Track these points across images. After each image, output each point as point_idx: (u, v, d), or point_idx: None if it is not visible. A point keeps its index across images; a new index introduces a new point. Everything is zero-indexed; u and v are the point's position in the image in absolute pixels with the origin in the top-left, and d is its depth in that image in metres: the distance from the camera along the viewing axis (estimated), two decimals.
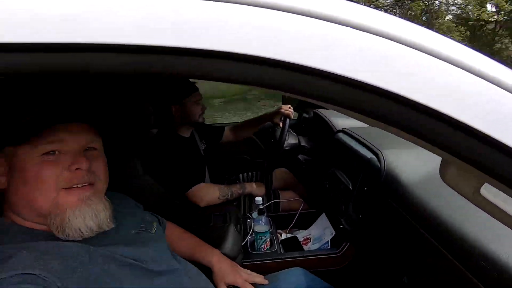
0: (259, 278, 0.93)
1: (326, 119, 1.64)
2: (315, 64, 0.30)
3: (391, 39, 0.31)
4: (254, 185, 1.52)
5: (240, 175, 1.89)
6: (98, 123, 0.66)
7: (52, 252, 0.53)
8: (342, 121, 1.54)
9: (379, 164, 1.00)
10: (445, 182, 0.43)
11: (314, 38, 0.30)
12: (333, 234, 1.26)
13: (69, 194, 0.58)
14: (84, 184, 0.60)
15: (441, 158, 0.40)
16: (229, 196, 1.39)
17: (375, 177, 0.99)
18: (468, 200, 0.40)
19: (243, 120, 1.87)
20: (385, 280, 1.02)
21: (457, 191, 0.41)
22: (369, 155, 1.09)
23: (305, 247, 1.31)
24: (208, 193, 1.35)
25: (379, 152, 1.04)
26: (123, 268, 0.60)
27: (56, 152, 0.58)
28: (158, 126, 1.57)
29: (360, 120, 0.38)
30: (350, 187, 1.15)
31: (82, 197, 0.59)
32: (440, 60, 0.31)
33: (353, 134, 1.29)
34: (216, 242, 1.11)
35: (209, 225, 1.22)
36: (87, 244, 0.59)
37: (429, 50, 0.32)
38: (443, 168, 0.43)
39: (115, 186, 0.70)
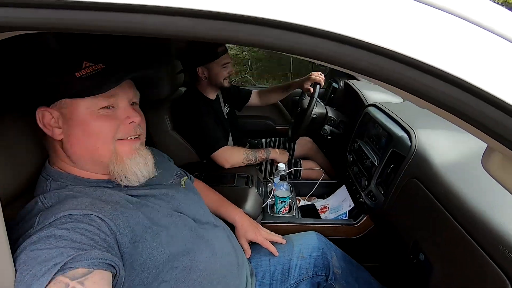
0: (278, 238, 0.99)
1: (358, 91, 1.58)
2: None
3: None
4: (278, 151, 1.54)
5: (263, 140, 1.91)
6: (140, 79, 0.69)
7: (103, 198, 0.61)
8: (375, 94, 1.48)
9: (410, 143, 0.98)
10: (486, 171, 0.42)
11: None
12: (351, 206, 1.29)
13: (123, 145, 0.65)
14: (135, 136, 0.66)
15: (482, 144, 0.39)
16: (253, 161, 1.43)
17: (404, 155, 0.97)
18: (510, 192, 0.39)
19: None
20: (398, 254, 1.05)
21: (499, 182, 0.40)
22: (400, 132, 1.06)
23: (322, 215, 1.36)
24: (233, 156, 1.38)
25: (411, 131, 1.01)
26: (160, 217, 0.66)
27: (111, 107, 0.63)
28: (186, 85, 1.59)
29: (406, 98, 0.37)
30: (376, 163, 1.14)
31: (134, 147, 0.66)
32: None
33: (385, 109, 1.25)
34: (239, 202, 1.17)
35: (232, 185, 1.28)
36: (129, 195, 0.66)
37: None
38: (487, 156, 0.42)
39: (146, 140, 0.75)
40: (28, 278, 0.45)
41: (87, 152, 0.63)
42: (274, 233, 1.00)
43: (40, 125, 0.62)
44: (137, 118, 0.65)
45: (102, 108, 0.62)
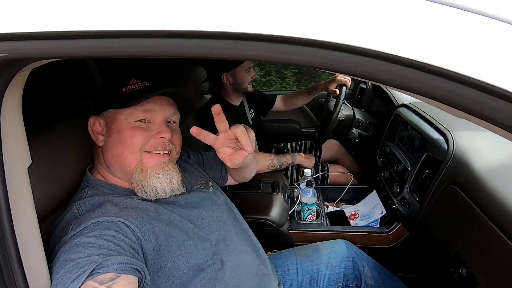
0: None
1: (387, 91, 1.51)
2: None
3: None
4: (303, 156, 1.51)
5: (288, 144, 1.88)
6: (178, 97, 0.73)
7: (130, 207, 0.64)
8: (405, 94, 1.40)
9: (446, 146, 0.91)
10: None
11: None
12: (383, 213, 1.22)
13: (150, 157, 0.67)
14: (164, 152, 0.69)
15: None
16: (278, 166, 1.41)
17: (440, 159, 0.91)
18: None
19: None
20: (437, 266, 0.98)
21: None
22: (435, 135, 0.99)
23: (352, 222, 1.30)
24: (258, 162, 1.38)
25: (447, 133, 0.94)
26: (185, 227, 0.67)
27: (147, 121, 0.68)
28: (211, 92, 1.62)
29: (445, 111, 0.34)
30: (409, 168, 1.07)
31: (160, 162, 0.68)
32: None
33: (418, 110, 1.18)
34: (264, 209, 1.16)
35: (257, 192, 1.27)
36: (157, 203, 0.68)
37: None
38: None
39: None
40: (61, 286, 0.48)
41: (117, 159, 0.67)
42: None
43: (90, 131, 0.70)
44: (168, 135, 0.68)
45: (138, 120, 0.67)
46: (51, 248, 0.56)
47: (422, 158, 1.00)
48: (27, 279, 0.42)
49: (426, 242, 1.03)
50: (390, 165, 1.23)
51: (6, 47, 0.31)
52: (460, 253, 0.77)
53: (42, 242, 0.49)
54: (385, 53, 0.29)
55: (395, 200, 1.12)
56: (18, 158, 0.41)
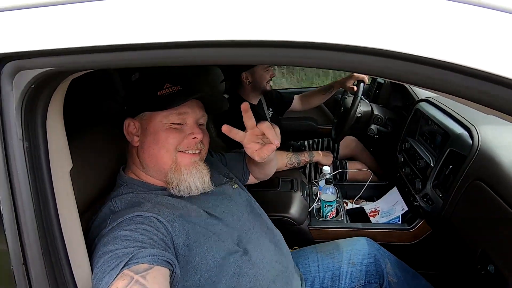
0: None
1: (406, 85, 1.48)
2: None
3: None
4: (321, 153, 1.51)
5: (306, 142, 1.88)
6: (209, 99, 0.78)
7: (163, 203, 0.68)
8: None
9: (471, 141, 0.89)
10: None
11: None
12: (404, 210, 1.21)
13: (183, 157, 0.72)
14: (196, 151, 0.73)
15: None
16: (297, 164, 1.42)
17: (464, 155, 0.89)
18: None
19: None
20: (462, 263, 0.96)
21: None
22: (458, 129, 0.97)
23: (372, 219, 1.29)
24: (276, 160, 1.39)
25: (472, 127, 0.92)
26: (211, 223, 0.71)
27: (180, 123, 0.72)
28: (228, 92, 1.64)
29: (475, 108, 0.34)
30: (431, 163, 1.05)
31: (192, 161, 0.73)
32: None
33: (440, 104, 1.15)
34: (284, 206, 1.17)
35: (277, 190, 1.28)
36: (187, 201, 0.72)
37: None
38: None
39: None
40: (100, 275, 0.52)
41: (153, 158, 0.72)
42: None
43: (125, 132, 0.74)
44: (200, 135, 0.72)
45: (173, 123, 0.71)
46: (90, 240, 0.60)
47: (445, 153, 0.98)
48: (72, 267, 0.46)
49: (450, 238, 1.01)
50: (411, 161, 1.21)
51: (53, 61, 0.34)
52: (488, 250, 0.75)
53: (83, 236, 0.52)
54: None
55: (417, 196, 1.11)
56: (62, 162, 0.44)
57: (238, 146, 1.44)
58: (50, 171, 0.40)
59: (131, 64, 0.37)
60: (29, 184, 0.37)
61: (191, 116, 0.73)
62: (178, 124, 0.72)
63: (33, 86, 0.35)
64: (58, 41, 0.33)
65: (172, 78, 0.74)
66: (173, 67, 0.77)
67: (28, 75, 0.35)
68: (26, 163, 0.37)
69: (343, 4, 0.30)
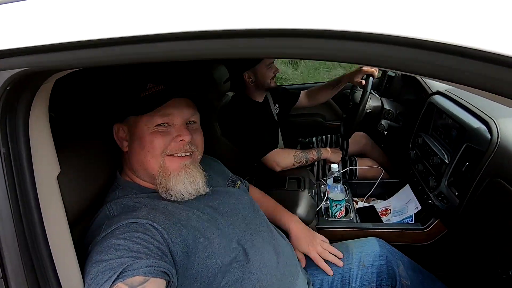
0: (334, 250, 0.91)
1: (419, 77, 1.41)
2: None
3: None
4: (329, 150, 1.47)
5: (314, 138, 1.83)
6: (196, 97, 0.73)
7: (158, 208, 0.65)
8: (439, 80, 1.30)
9: (489, 136, 0.83)
10: None
11: None
12: (418, 209, 1.15)
13: (172, 161, 0.68)
14: (186, 154, 0.69)
15: None
16: (304, 162, 1.38)
17: (482, 150, 0.83)
18: None
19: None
20: (481, 266, 0.91)
21: None
22: (475, 123, 0.91)
23: (384, 219, 1.24)
24: (284, 158, 1.35)
25: (490, 121, 0.86)
26: (211, 227, 0.67)
27: (166, 124, 0.68)
28: (233, 90, 1.61)
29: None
30: (446, 160, 1.00)
31: (182, 165, 0.68)
32: None
33: (455, 97, 1.09)
34: (291, 206, 1.13)
35: (283, 189, 1.25)
36: (184, 204, 0.68)
37: None
38: None
39: None
40: (94, 286, 0.50)
41: (141, 164, 0.69)
42: (332, 247, 0.93)
43: (115, 138, 0.72)
44: (187, 137, 0.68)
45: (157, 125, 0.68)
46: (85, 247, 0.58)
47: (461, 149, 0.93)
48: (60, 280, 0.43)
49: (467, 239, 0.96)
50: (425, 157, 1.15)
51: (28, 61, 0.32)
52: (510, 253, 0.70)
53: (73, 244, 0.50)
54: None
55: (431, 194, 1.05)
56: (47, 167, 0.42)
57: (244, 144, 1.42)
58: (34, 177, 0.38)
59: (116, 61, 0.35)
60: (7, 190, 0.35)
61: (177, 116, 0.69)
62: (164, 125, 0.68)
63: (8, 88, 0.33)
64: (29, 38, 0.30)
65: (155, 77, 0.70)
66: (157, 66, 0.74)
67: (1, 77, 0.32)
68: (2, 170, 0.35)
69: None
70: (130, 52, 0.32)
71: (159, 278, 0.52)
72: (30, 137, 0.37)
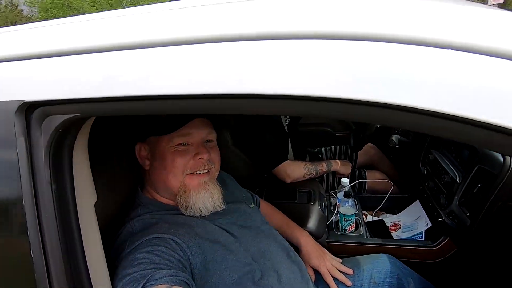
0: (345, 268, 0.92)
1: None
2: None
3: None
4: (339, 163, 1.48)
5: (323, 149, 1.85)
6: (214, 117, 0.77)
7: (179, 223, 0.69)
8: None
9: (502, 159, 0.84)
10: None
11: None
12: (428, 226, 1.16)
13: (192, 179, 0.72)
14: (204, 171, 0.73)
15: None
16: (314, 174, 1.39)
17: (495, 173, 0.84)
18: None
19: None
20: (495, 285, 0.91)
21: None
22: None
23: (393, 234, 1.25)
24: (294, 170, 1.37)
25: None
26: (228, 241, 0.71)
27: (185, 144, 0.72)
28: None
29: None
30: (457, 179, 1.01)
31: (201, 182, 0.72)
32: None
33: None
34: (301, 220, 1.15)
35: (294, 201, 1.26)
36: (202, 219, 0.72)
37: None
38: None
39: None
40: None
41: (162, 182, 0.72)
42: (342, 265, 0.94)
43: (137, 157, 0.76)
44: (205, 155, 0.71)
45: (177, 144, 0.71)
46: (111, 262, 0.61)
47: (474, 171, 0.94)
48: None
49: (478, 259, 0.97)
50: (435, 175, 1.16)
51: (81, 108, 0.35)
52: None
53: (107, 266, 0.53)
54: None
55: (441, 212, 1.06)
56: (87, 197, 0.45)
57: (255, 155, 1.44)
58: (76, 208, 0.41)
59: (153, 112, 0.38)
60: (57, 225, 0.38)
61: (196, 135, 0.73)
62: (183, 145, 0.71)
63: (60, 130, 0.36)
64: (83, 91, 0.33)
65: None
66: None
67: (56, 121, 0.35)
68: (54, 205, 0.38)
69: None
70: (162, 106, 0.35)
71: (181, 286, 0.55)
72: (73, 172, 0.40)
